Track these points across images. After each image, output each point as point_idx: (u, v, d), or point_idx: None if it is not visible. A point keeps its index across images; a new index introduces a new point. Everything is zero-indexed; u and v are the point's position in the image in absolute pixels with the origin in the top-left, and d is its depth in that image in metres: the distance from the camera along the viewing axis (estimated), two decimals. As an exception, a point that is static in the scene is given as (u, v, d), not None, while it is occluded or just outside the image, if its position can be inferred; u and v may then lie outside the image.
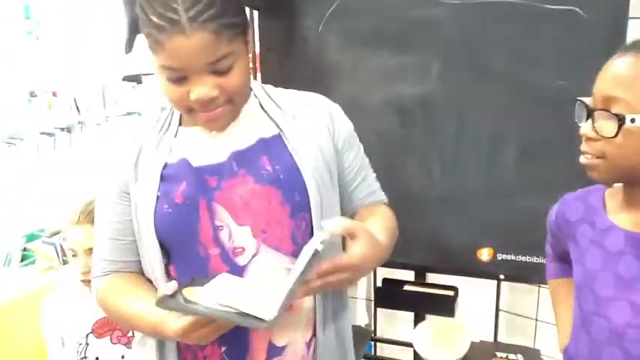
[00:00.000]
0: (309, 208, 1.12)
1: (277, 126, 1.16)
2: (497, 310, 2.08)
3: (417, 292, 1.90)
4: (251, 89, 1.19)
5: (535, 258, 1.74)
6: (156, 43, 0.98)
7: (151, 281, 1.16)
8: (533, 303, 2.10)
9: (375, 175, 1.29)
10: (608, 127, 0.97)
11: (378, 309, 2.20)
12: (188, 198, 1.09)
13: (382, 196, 1.30)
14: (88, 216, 1.60)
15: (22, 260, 3.15)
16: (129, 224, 1.15)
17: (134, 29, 1.33)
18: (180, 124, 1.17)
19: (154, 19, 0.96)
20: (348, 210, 1.23)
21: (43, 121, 4.34)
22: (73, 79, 4.56)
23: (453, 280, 1.94)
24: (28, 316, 2.37)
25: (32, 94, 4.31)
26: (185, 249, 1.10)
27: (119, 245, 1.17)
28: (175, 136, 1.15)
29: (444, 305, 1.86)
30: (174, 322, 0.99)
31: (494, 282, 2.03)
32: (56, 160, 4.39)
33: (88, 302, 1.58)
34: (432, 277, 2.03)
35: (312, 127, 1.17)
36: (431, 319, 1.95)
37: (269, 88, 1.23)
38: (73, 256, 1.64)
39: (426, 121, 1.74)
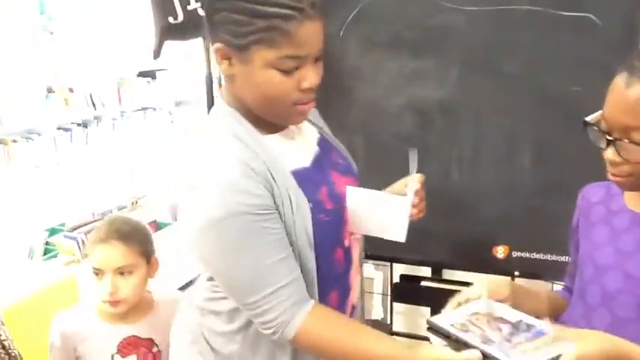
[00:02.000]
0: None
1: (317, 127, 1.27)
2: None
3: (434, 287, 1.96)
4: None
5: (549, 255, 1.80)
6: (279, 34, 1.00)
7: None
8: (546, 298, 2.16)
9: None
10: (633, 153, 0.98)
11: (395, 304, 2.26)
12: (335, 202, 1.17)
13: None
14: (118, 232, 1.52)
15: (44, 254, 3.23)
16: (286, 238, 1.09)
17: (164, 36, 1.39)
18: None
19: (277, 9, 0.99)
20: None
21: (60, 117, 4.40)
22: (89, 75, 4.61)
23: (469, 276, 1.99)
24: (51, 308, 2.44)
25: (49, 90, 4.37)
26: (331, 249, 1.16)
27: (292, 260, 1.09)
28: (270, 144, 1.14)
29: (460, 301, 1.91)
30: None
31: (509, 278, 2.08)
32: (73, 155, 4.45)
33: (112, 322, 1.56)
34: (447, 274, 2.09)
35: (322, 123, 1.30)
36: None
37: None
38: (97, 274, 1.52)
39: (445, 124, 1.79)
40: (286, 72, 1.04)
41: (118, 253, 1.51)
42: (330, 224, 1.14)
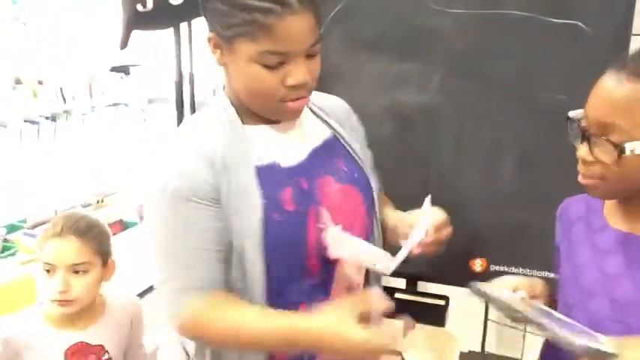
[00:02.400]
0: (374, 207, 1.19)
1: (330, 127, 1.19)
2: (486, 320, 2.08)
3: (408, 300, 1.89)
4: None
5: (528, 270, 1.74)
6: (260, 28, 0.96)
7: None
8: (522, 314, 2.11)
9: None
10: (607, 153, 0.94)
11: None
12: (299, 204, 1.08)
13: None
14: (74, 227, 1.43)
15: (2, 251, 3.10)
16: (219, 232, 1.05)
17: (131, 25, 1.32)
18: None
19: (258, 3, 0.95)
20: None
21: (28, 109, 4.28)
22: (60, 68, 4.49)
23: (445, 289, 1.93)
24: (7, 309, 2.33)
25: (17, 82, 4.24)
26: (289, 255, 1.08)
27: (211, 254, 1.05)
28: (246, 136, 1.09)
29: (435, 314, 1.85)
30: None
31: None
32: (39, 149, 4.32)
33: (60, 326, 1.46)
34: (422, 286, 2.02)
35: (349, 128, 1.23)
36: (421, 328, 1.94)
37: None
38: (48, 271, 1.42)
39: (426, 130, 1.73)
40: (270, 67, 1.00)
41: (72, 249, 1.42)
42: (286, 226, 1.06)
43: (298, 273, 1.09)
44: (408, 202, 1.85)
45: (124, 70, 4.99)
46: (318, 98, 1.22)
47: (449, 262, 1.80)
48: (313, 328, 0.95)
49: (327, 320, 0.95)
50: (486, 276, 1.77)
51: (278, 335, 0.99)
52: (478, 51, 1.65)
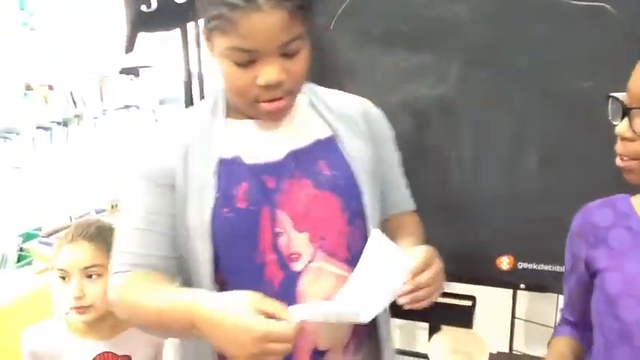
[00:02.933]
0: (364, 216, 1.10)
1: (331, 128, 1.13)
2: (513, 317, 2.00)
3: (433, 301, 1.82)
4: None
5: (558, 267, 1.66)
6: (226, 23, 0.94)
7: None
8: (552, 310, 2.03)
9: (406, 181, 1.30)
10: None
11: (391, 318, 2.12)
12: (252, 203, 1.04)
13: (412, 204, 1.30)
14: (84, 232, 1.45)
15: (18, 261, 3.08)
16: (168, 218, 1.06)
17: (136, 26, 1.28)
18: (226, 116, 1.11)
19: None
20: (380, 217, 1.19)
21: (40, 115, 4.27)
22: (70, 72, 4.48)
23: (471, 289, 1.86)
24: (25, 319, 2.30)
25: (28, 88, 4.24)
26: (241, 255, 1.04)
27: (152, 237, 1.07)
28: (224, 128, 1.09)
29: (461, 316, 1.78)
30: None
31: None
32: (52, 155, 4.31)
33: (85, 336, 1.46)
34: (446, 286, 1.96)
35: (361, 131, 1.16)
36: (447, 330, 1.88)
37: (315, 86, 1.19)
38: (63, 278, 1.43)
39: (444, 125, 1.65)
40: (241, 65, 0.98)
41: (84, 252, 1.43)
42: (234, 222, 1.03)
43: (254, 278, 1.04)
44: (428, 202, 1.79)
45: (133, 72, 4.97)
46: (331, 96, 1.18)
47: (474, 261, 1.74)
48: (206, 303, 0.92)
49: (225, 299, 0.92)
50: (514, 274, 1.72)
51: (174, 312, 0.96)
52: (496, 40, 1.57)
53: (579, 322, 1.21)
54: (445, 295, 1.86)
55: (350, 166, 1.11)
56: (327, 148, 1.12)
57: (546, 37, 1.53)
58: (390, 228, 1.20)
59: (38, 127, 4.35)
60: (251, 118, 1.09)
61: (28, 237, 3.18)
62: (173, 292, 1.00)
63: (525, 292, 2.06)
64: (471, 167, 1.67)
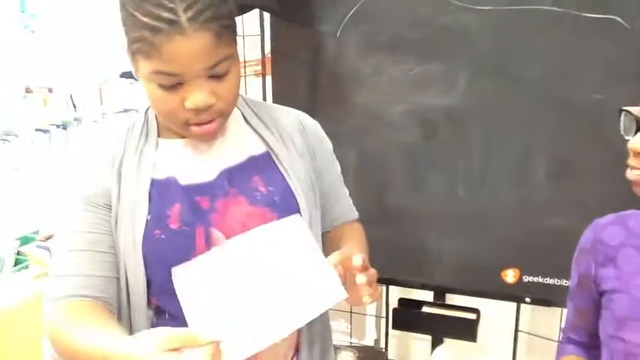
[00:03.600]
0: None
1: (266, 144, 1.09)
2: (517, 331, 1.98)
3: (437, 314, 1.80)
4: None
5: (564, 281, 1.64)
6: (149, 47, 0.89)
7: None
8: (555, 323, 2.01)
9: (347, 191, 1.25)
10: None
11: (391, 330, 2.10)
12: (185, 224, 1.00)
13: (355, 214, 1.25)
14: None
15: (15, 265, 3.04)
16: (107, 237, 1.01)
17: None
18: (158, 136, 1.07)
19: (147, 20, 0.87)
20: (322, 229, 1.16)
21: (39, 118, 4.24)
22: (69, 75, 4.45)
23: (475, 301, 1.83)
24: (23, 324, 2.27)
25: (27, 90, 4.21)
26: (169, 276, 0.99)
27: (94, 256, 1.00)
28: (156, 148, 1.06)
29: (466, 329, 1.76)
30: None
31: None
32: (51, 158, 4.29)
33: None
34: (450, 298, 1.93)
35: (296, 145, 1.12)
36: (450, 343, 1.85)
37: (249, 99, 1.16)
38: None
39: (452, 134, 1.63)
40: (167, 88, 0.92)
41: None
42: (167, 244, 0.99)
43: None
44: (433, 211, 1.78)
45: (133, 76, 4.95)
46: (265, 110, 1.14)
47: (479, 273, 1.72)
48: (121, 350, 0.84)
49: (136, 345, 0.83)
50: (519, 287, 1.70)
51: (91, 356, 0.89)
52: (505, 50, 1.55)
53: (586, 342, 1.18)
54: (448, 307, 1.84)
55: (286, 181, 1.07)
56: (262, 164, 1.08)
57: (557, 48, 1.51)
58: (332, 238, 1.17)
59: (37, 130, 4.33)
60: (183, 137, 1.06)
61: (25, 240, 3.14)
62: (93, 334, 0.92)
63: (529, 305, 2.04)
64: (478, 178, 1.64)
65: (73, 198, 1.02)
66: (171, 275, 0.98)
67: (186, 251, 1.00)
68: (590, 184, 1.55)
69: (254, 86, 2.03)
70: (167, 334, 0.80)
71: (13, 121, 4.08)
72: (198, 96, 0.92)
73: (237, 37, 0.98)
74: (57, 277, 1.00)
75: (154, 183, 1.02)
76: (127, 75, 4.92)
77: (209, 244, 1.01)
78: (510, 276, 1.69)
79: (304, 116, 1.19)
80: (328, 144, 1.20)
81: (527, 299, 1.70)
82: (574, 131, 1.55)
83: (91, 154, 1.06)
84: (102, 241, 1.01)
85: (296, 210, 1.06)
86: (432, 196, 1.69)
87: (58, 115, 4.46)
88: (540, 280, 1.67)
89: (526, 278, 1.68)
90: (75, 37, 4.42)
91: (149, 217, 1.00)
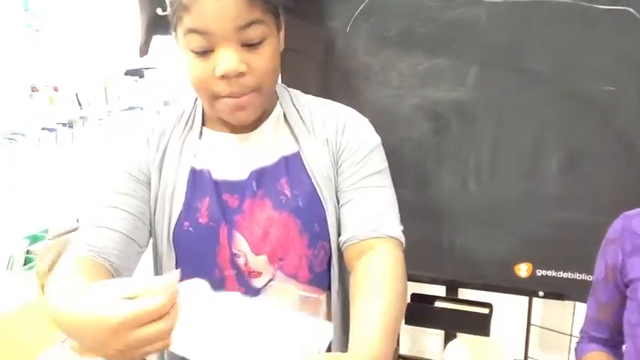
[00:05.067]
0: (328, 237, 1.05)
1: (297, 142, 1.07)
2: (529, 324, 1.97)
3: (449, 309, 1.79)
4: (277, 96, 1.11)
5: (577, 274, 1.63)
6: (181, 7, 0.90)
7: None
8: (568, 317, 2.00)
9: (396, 207, 1.09)
10: None
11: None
12: (212, 220, 1.02)
13: (394, 231, 1.04)
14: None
15: (25, 264, 3.05)
16: (144, 205, 1.02)
17: (151, 29, 1.24)
18: (203, 124, 1.08)
19: None
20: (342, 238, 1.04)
21: (45, 117, 4.24)
22: (75, 74, 4.45)
23: (485, 294, 1.83)
24: (33, 323, 2.28)
25: (33, 89, 4.21)
26: (200, 267, 1.01)
27: (120, 214, 0.98)
28: (200, 137, 1.07)
29: (479, 324, 1.75)
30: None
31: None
32: (58, 156, 4.29)
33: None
34: (463, 293, 1.93)
35: (332, 143, 1.07)
36: (463, 337, 1.85)
37: (296, 94, 1.13)
38: None
39: (462, 129, 1.62)
40: (199, 54, 0.93)
41: None
42: (193, 237, 1.02)
43: (215, 284, 0.93)
44: (444, 206, 1.77)
45: (138, 73, 4.95)
46: (307, 106, 1.10)
47: (492, 267, 1.71)
48: (73, 308, 0.76)
49: (85, 297, 0.75)
50: (532, 281, 1.69)
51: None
52: (516, 43, 1.53)
53: (608, 338, 1.18)
54: (461, 301, 1.83)
55: (313, 184, 1.04)
56: (292, 164, 1.05)
57: (567, 40, 1.49)
58: (355, 259, 1.00)
59: (43, 129, 4.33)
60: (226, 129, 1.06)
61: (34, 239, 3.16)
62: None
63: (540, 299, 2.03)
64: (490, 172, 1.63)
65: (113, 169, 1.04)
66: (195, 264, 1.00)
67: (211, 245, 1.02)
68: (602, 177, 1.54)
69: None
70: (130, 279, 0.75)
71: (19, 120, 4.07)
72: (227, 61, 0.91)
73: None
74: (80, 229, 1.01)
75: (192, 172, 1.04)
76: (132, 72, 4.91)
77: (231, 244, 1.02)
78: (523, 270, 1.68)
79: (350, 115, 1.11)
80: (368, 143, 1.09)
81: (541, 293, 1.69)
82: (585, 124, 1.53)
83: (138, 137, 1.07)
84: (132, 203, 1.01)
85: (321, 216, 1.04)
86: (443, 190, 1.68)
87: (64, 114, 4.46)
88: (554, 273, 1.66)
89: (539, 272, 1.67)
90: (79, 36, 4.41)
91: (182, 209, 1.02)
